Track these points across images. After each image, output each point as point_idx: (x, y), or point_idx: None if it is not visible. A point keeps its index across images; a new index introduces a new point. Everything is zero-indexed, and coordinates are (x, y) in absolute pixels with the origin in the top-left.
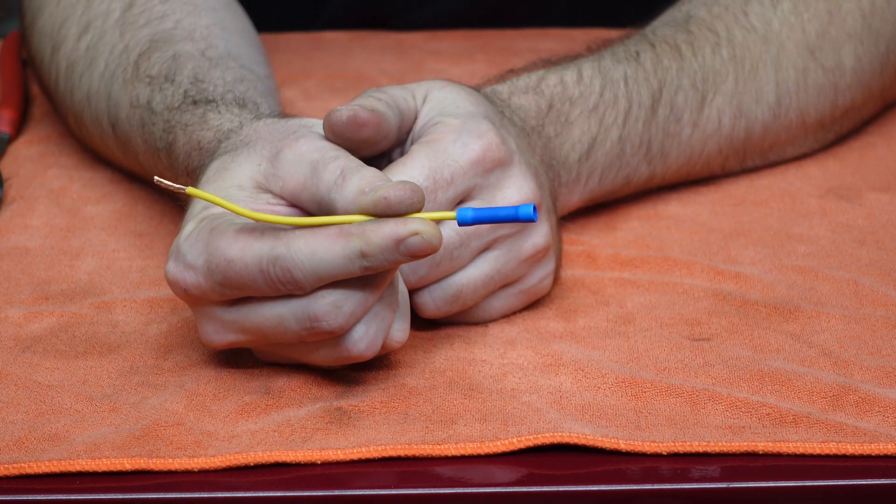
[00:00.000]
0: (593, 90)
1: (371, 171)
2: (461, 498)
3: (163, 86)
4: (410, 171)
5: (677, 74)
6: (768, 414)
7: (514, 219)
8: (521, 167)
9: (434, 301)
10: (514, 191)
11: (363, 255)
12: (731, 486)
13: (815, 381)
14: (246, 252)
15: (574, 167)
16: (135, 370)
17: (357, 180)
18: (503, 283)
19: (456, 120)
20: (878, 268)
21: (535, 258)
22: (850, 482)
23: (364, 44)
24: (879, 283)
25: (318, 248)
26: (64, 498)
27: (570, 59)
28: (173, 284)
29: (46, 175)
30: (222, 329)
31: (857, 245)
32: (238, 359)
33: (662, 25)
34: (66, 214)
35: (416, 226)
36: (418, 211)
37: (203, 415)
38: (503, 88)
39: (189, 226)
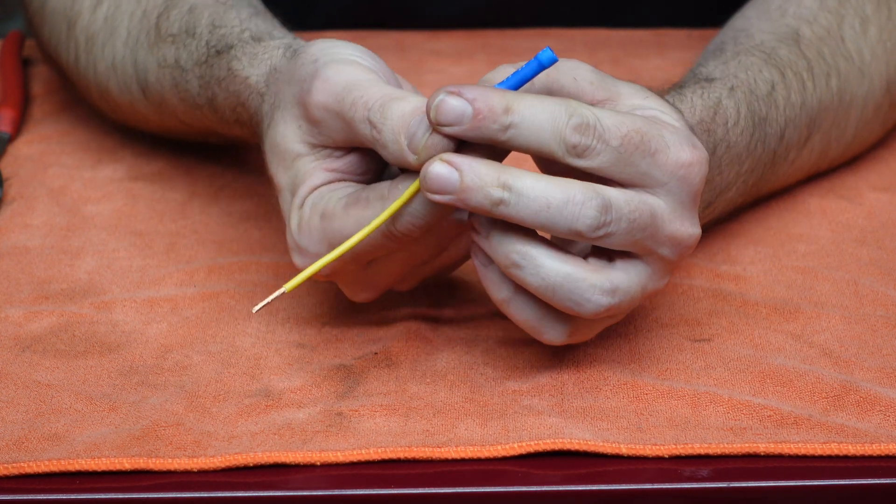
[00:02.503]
0: (745, 137)
1: (396, 113)
2: (461, 498)
3: (186, 42)
4: (623, 116)
5: (800, 111)
6: (769, 416)
7: (540, 68)
8: (698, 205)
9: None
10: (691, 219)
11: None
12: (732, 485)
13: (817, 382)
14: (362, 224)
15: (702, 213)
16: (134, 370)
17: (389, 133)
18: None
19: (678, 121)
20: (879, 267)
21: (648, 299)
22: (851, 482)
23: (364, 43)
24: (879, 282)
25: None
26: (64, 497)
27: (720, 80)
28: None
29: (46, 174)
30: (370, 285)
31: (858, 244)
32: (238, 360)
33: (776, 42)
34: (66, 214)
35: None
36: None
37: (203, 415)
38: (688, 114)
39: (294, 217)
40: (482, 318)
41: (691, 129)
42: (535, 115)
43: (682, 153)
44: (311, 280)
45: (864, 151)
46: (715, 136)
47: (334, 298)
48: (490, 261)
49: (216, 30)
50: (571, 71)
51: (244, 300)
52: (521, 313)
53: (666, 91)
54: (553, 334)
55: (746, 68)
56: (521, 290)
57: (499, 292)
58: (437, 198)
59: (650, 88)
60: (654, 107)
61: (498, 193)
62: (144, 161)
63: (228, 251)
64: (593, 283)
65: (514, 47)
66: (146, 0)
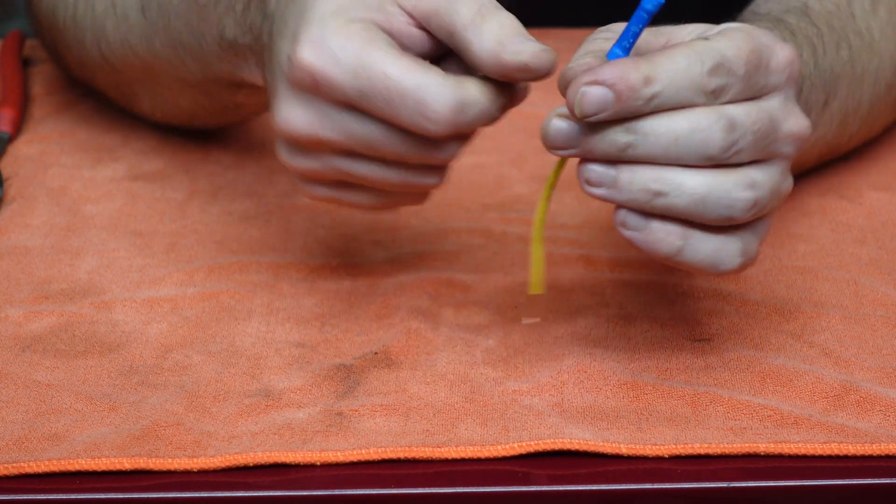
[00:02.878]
0: None
1: (510, 19)
2: (461, 498)
3: None
4: (736, 40)
5: (813, 71)
6: (769, 416)
7: (649, 16)
8: None
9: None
10: (799, 111)
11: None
12: (732, 485)
13: (817, 382)
14: (406, 76)
15: None
16: (134, 370)
17: (496, 26)
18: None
19: (741, 24)
20: (879, 267)
21: (784, 198)
22: (851, 482)
23: None
24: (879, 282)
25: (480, 91)
26: (64, 498)
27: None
28: (304, 71)
29: (46, 174)
30: (317, 123)
31: (858, 244)
32: (238, 360)
33: (785, 12)
34: (65, 213)
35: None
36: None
37: (203, 415)
38: None
39: (335, 19)
40: (482, 318)
41: None
42: (674, 76)
43: (782, 53)
44: (310, 280)
45: (879, 134)
46: None
47: (334, 298)
48: (646, 220)
49: None
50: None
51: (244, 300)
52: (698, 253)
53: None
54: (729, 261)
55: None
56: (693, 229)
57: (671, 245)
58: (562, 153)
59: None
60: (714, 26)
61: (624, 138)
62: (144, 161)
63: (228, 251)
64: (735, 182)
65: None
66: None
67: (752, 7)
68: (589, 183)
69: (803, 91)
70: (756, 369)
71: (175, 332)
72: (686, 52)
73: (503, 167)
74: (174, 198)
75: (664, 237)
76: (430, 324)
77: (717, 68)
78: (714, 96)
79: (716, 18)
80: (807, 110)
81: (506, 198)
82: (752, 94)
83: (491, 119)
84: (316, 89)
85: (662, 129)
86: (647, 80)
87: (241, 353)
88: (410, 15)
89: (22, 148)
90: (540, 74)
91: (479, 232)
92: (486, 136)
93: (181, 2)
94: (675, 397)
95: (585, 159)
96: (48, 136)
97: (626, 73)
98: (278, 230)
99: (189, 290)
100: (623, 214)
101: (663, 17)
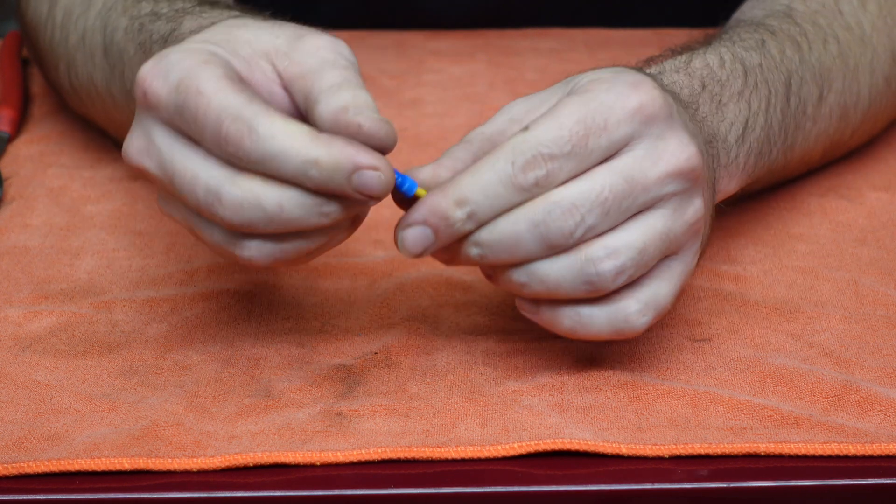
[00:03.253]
0: (737, 75)
1: (367, 95)
2: (461, 498)
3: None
4: (558, 118)
5: (800, 66)
6: (769, 416)
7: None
8: (683, 127)
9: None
10: (676, 144)
11: (316, 164)
12: (732, 485)
13: (817, 382)
14: (217, 95)
15: (733, 149)
16: (134, 370)
17: (350, 96)
18: (665, 252)
19: (607, 73)
20: (879, 267)
21: (695, 228)
22: (851, 482)
23: (364, 43)
24: (880, 282)
25: (282, 133)
26: (63, 498)
27: (699, 44)
28: (139, 83)
29: (46, 174)
30: (145, 150)
31: (858, 244)
32: (238, 359)
33: (766, 16)
34: (65, 213)
35: (380, 162)
36: (386, 151)
37: (203, 415)
38: (651, 70)
39: (188, 43)
40: (482, 318)
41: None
42: (484, 189)
43: (626, 102)
44: (310, 280)
45: (884, 128)
46: (699, 74)
47: (334, 298)
48: (537, 305)
49: None
50: (506, 115)
51: (244, 300)
52: (592, 327)
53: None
54: (629, 325)
55: (731, 36)
56: (580, 306)
57: (562, 326)
58: (448, 266)
59: None
60: (581, 78)
61: (474, 251)
62: None
63: None
64: (588, 258)
65: (514, 47)
66: None
67: (737, 14)
68: (487, 275)
69: (791, 85)
70: (756, 369)
71: (175, 333)
72: (494, 157)
73: None
74: None
75: (552, 319)
76: (430, 324)
77: (531, 162)
78: (540, 187)
79: (716, 18)
80: (802, 106)
81: None
82: (594, 162)
83: (291, 168)
84: (146, 103)
85: (498, 237)
86: (459, 203)
87: (241, 353)
88: (279, 75)
89: (22, 148)
90: (374, 140)
91: None
92: None
93: (135, 52)
94: (675, 397)
95: None
96: (48, 136)
97: (435, 205)
98: None
99: (189, 290)
100: (518, 300)
101: (665, 18)
